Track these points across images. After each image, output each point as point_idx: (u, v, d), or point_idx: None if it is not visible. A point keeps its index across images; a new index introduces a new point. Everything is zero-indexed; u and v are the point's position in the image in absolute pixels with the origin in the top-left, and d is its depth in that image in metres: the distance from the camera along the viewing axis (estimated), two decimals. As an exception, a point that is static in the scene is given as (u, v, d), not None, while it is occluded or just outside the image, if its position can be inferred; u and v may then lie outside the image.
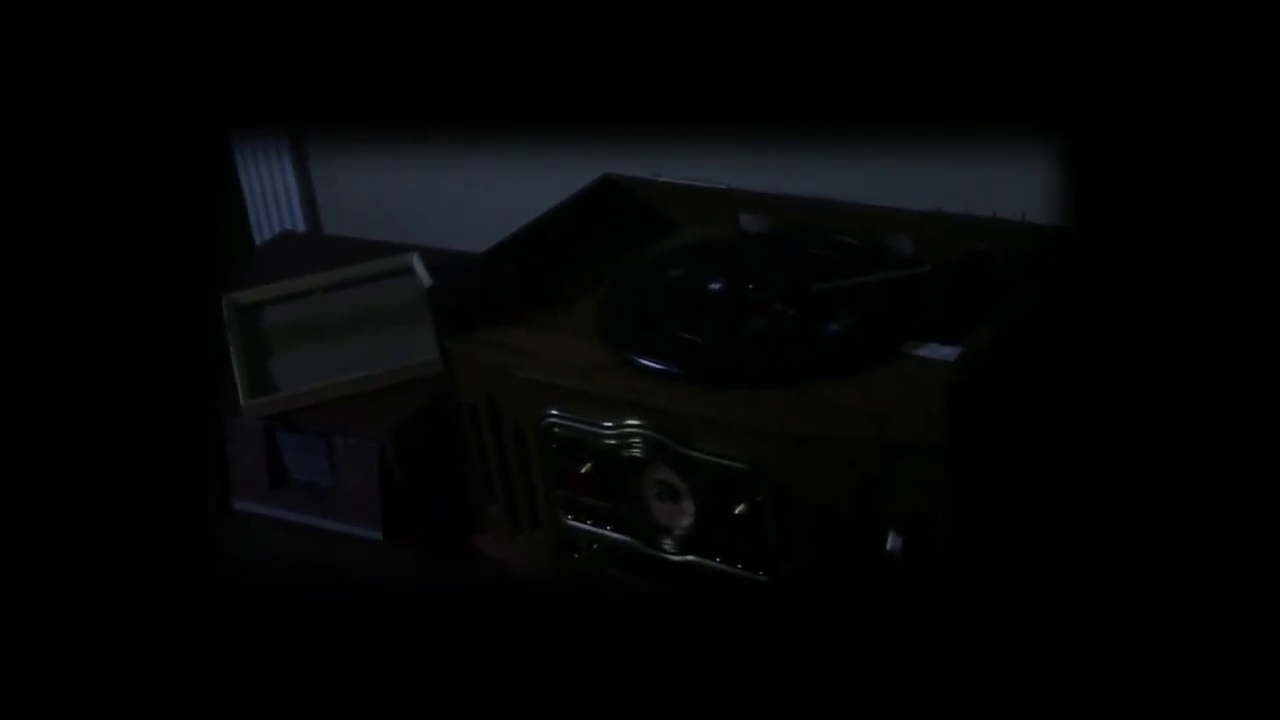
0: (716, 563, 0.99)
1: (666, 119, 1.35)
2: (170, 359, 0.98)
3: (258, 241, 1.74)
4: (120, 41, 0.98)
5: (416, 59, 1.44)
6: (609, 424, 1.00)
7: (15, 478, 0.93)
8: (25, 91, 0.95)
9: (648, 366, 1.01)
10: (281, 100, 1.61)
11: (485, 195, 1.55)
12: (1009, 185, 1.09)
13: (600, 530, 1.05)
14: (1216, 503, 0.82)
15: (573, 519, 1.06)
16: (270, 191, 1.71)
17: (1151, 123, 0.83)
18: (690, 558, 1.01)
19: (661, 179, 1.23)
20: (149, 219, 0.99)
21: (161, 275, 0.98)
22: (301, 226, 1.71)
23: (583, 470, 1.03)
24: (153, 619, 0.97)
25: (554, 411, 1.03)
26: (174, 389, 0.98)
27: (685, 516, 1.00)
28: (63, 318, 0.95)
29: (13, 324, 0.93)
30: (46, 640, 0.94)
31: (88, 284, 0.96)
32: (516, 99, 1.43)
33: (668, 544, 1.02)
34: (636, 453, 0.99)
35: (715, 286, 1.09)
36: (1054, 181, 0.87)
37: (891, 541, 0.90)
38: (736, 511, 0.96)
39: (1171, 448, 0.83)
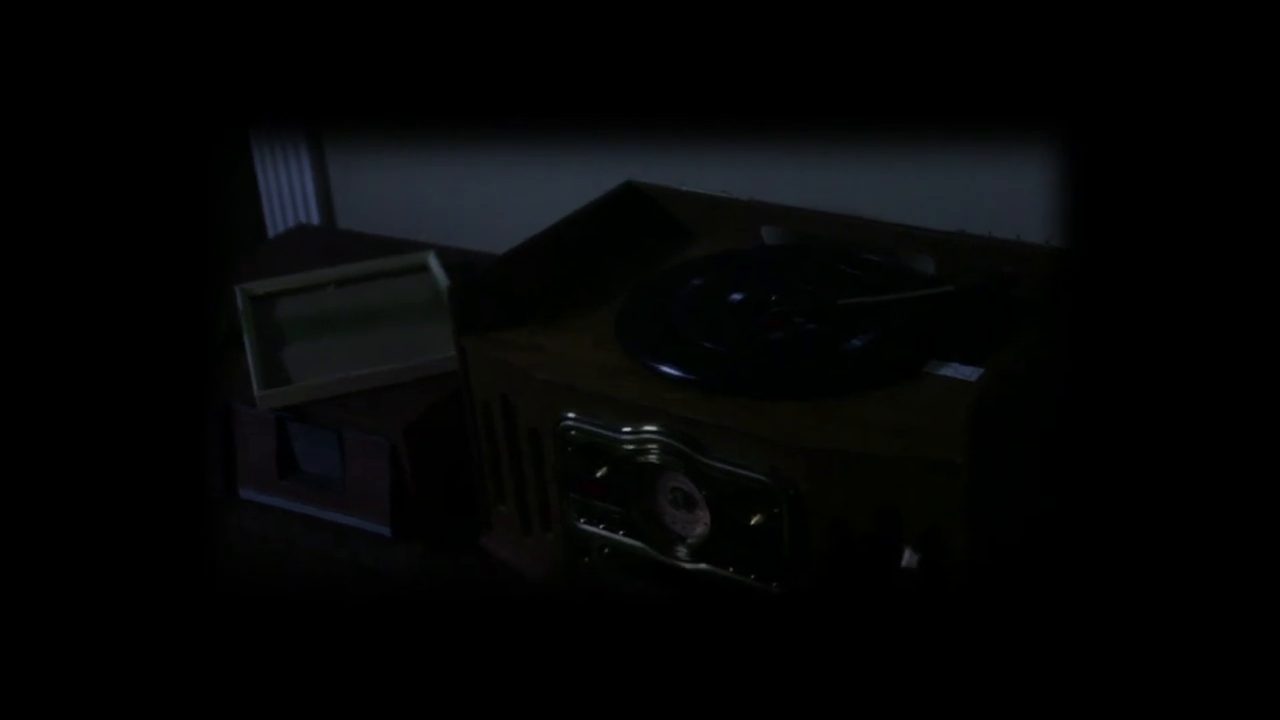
0: (729, 572, 0.99)
1: (689, 124, 1.35)
2: (171, 348, 0.97)
3: (271, 235, 1.74)
4: (135, 38, 0.97)
5: (437, 58, 1.44)
6: (627, 429, 1.00)
7: (12, 470, 0.92)
8: (38, 90, 0.94)
9: (668, 374, 1.01)
10: (300, 97, 1.61)
11: (502, 198, 1.55)
12: (1032, 208, 1.10)
13: (612, 535, 1.05)
14: (1230, 513, 0.82)
15: (584, 522, 1.06)
16: (286, 185, 1.71)
17: (1166, 138, 0.83)
18: (703, 566, 1.01)
19: (684, 189, 1.23)
20: (154, 209, 0.98)
21: (165, 263, 0.98)
22: (316, 221, 1.70)
23: (597, 474, 1.03)
24: (151, 611, 0.96)
25: (571, 415, 1.03)
26: (175, 378, 0.97)
27: (699, 525, 1.00)
28: (64, 305, 0.94)
29: (13, 313, 0.93)
30: (42, 634, 0.93)
31: (91, 271, 0.95)
32: (537, 101, 1.43)
33: (680, 551, 1.02)
34: (653, 459, 0.99)
35: (737, 297, 1.09)
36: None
37: (907, 558, 0.90)
38: (752, 522, 0.96)
39: (1181, 458, 0.83)
